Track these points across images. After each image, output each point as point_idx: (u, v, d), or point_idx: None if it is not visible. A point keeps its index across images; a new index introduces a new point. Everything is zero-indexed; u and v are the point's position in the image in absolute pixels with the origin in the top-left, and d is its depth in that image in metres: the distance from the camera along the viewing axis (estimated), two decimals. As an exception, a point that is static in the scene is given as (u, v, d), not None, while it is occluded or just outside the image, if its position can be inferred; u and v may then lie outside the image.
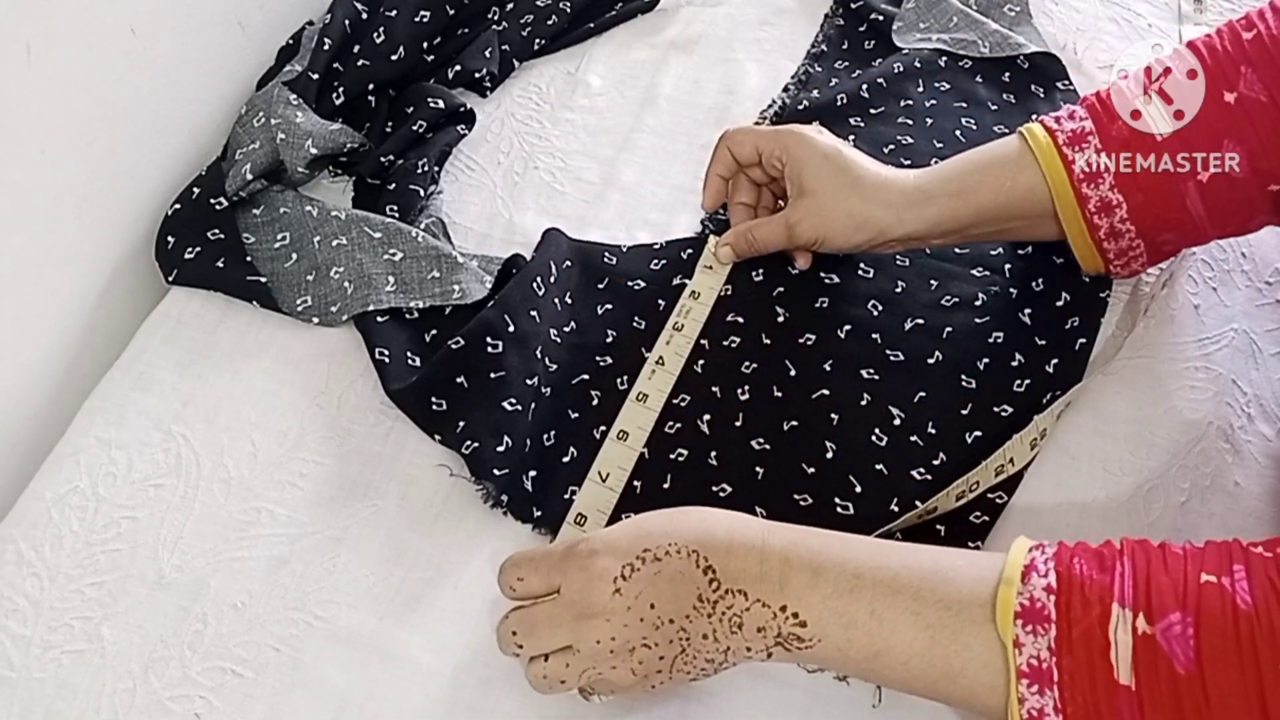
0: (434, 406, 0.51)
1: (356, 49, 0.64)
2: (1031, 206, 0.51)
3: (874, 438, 0.52)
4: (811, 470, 0.51)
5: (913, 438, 0.52)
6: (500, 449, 0.49)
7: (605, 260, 0.59)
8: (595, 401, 0.53)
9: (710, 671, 0.40)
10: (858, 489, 0.50)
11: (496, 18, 0.71)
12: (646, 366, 0.54)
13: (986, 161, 0.52)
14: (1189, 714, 0.32)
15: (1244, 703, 0.32)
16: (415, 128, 0.62)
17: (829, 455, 0.51)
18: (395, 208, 0.59)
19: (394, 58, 0.65)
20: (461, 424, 0.50)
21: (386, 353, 0.53)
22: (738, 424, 0.52)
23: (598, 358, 0.55)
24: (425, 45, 0.67)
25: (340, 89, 0.63)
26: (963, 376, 0.54)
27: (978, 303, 0.57)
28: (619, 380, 0.54)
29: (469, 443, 0.49)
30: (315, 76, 0.61)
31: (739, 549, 0.39)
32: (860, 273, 0.58)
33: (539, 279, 0.55)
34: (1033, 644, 0.35)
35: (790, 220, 0.54)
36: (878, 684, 0.41)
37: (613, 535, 0.41)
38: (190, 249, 0.58)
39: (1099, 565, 0.36)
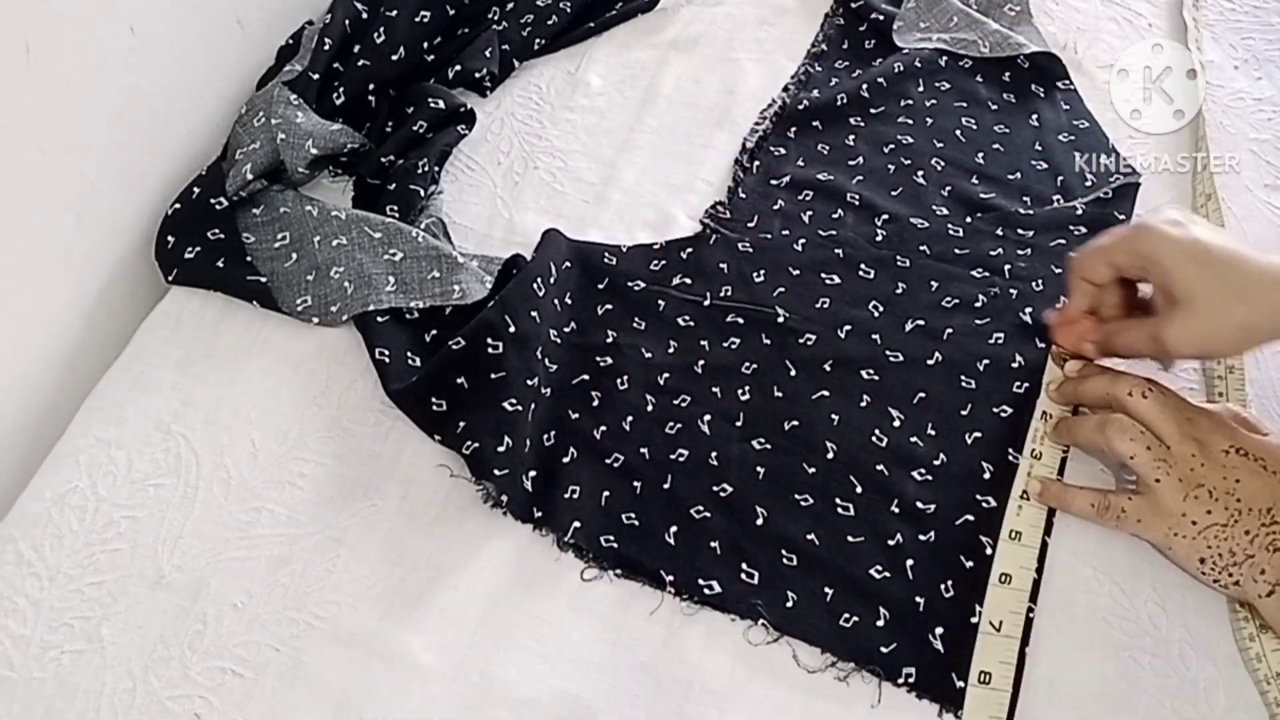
0: (434, 406, 0.51)
1: (356, 49, 0.64)
2: None
3: (874, 438, 0.52)
4: (811, 470, 0.51)
5: (913, 438, 0.52)
6: (500, 449, 0.49)
7: (605, 260, 0.59)
8: (595, 402, 0.53)
9: (1219, 566, 0.45)
10: (858, 489, 0.50)
11: (496, 18, 0.70)
12: (1012, 503, 0.49)
13: None
14: None
15: None
16: (415, 128, 0.62)
17: (829, 455, 0.51)
18: (395, 208, 0.59)
19: (394, 58, 0.65)
20: (462, 424, 0.50)
21: (386, 353, 0.53)
22: (738, 424, 0.52)
23: (598, 358, 0.55)
24: (425, 45, 0.67)
25: (340, 89, 0.63)
26: (962, 376, 0.54)
27: (978, 303, 0.57)
28: (619, 380, 0.54)
29: (469, 443, 0.49)
30: (315, 76, 0.61)
31: None
32: (861, 273, 0.58)
33: (539, 279, 0.55)
34: None
35: (1161, 336, 0.47)
36: None
37: (1248, 435, 0.46)
38: (190, 249, 0.58)
39: None
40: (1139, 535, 0.47)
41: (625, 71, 0.70)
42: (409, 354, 0.54)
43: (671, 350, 0.55)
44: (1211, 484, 0.45)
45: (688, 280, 0.58)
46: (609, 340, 0.56)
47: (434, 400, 0.51)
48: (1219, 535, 0.45)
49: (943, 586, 0.47)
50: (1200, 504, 0.45)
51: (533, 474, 0.50)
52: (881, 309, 0.56)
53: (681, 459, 0.51)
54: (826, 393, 0.53)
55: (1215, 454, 0.45)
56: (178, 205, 0.59)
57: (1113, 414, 0.48)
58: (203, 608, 0.47)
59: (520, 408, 0.51)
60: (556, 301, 0.56)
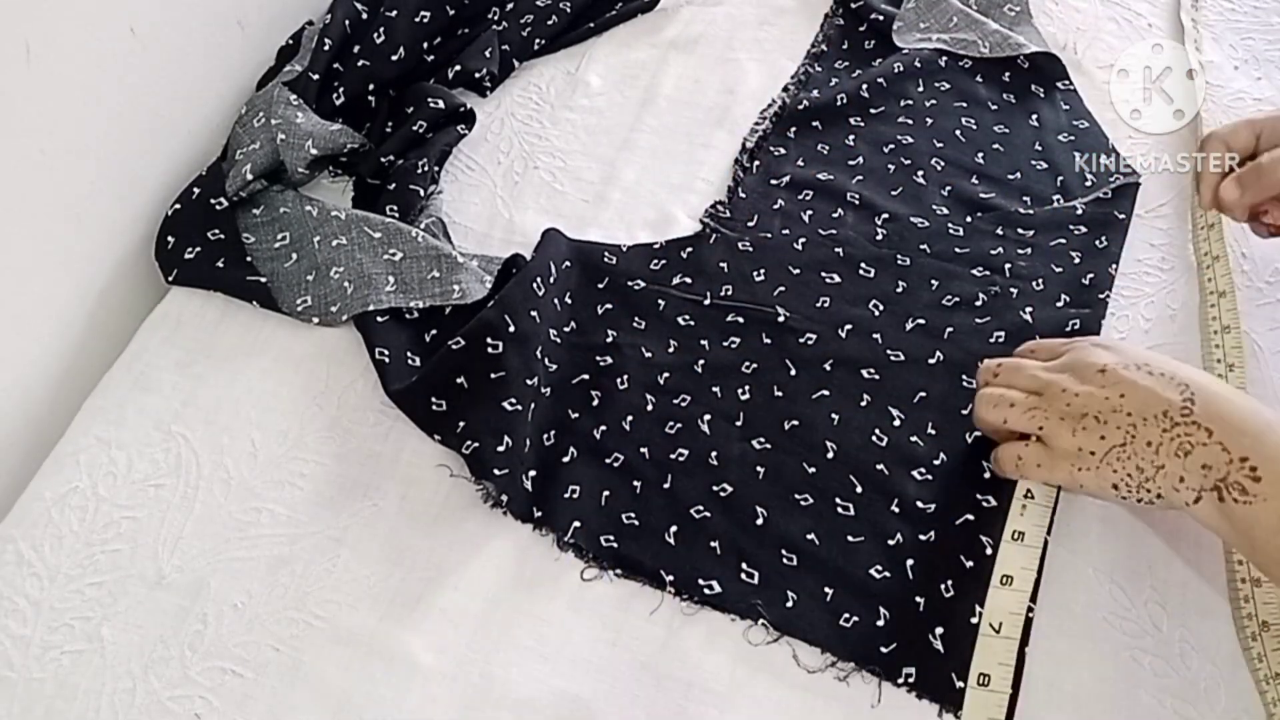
0: (434, 406, 0.51)
1: (356, 49, 0.64)
2: None
3: (874, 437, 0.52)
4: (812, 470, 0.51)
5: (913, 437, 0.52)
6: (500, 449, 0.49)
7: (605, 260, 0.59)
8: (595, 401, 0.53)
9: (1133, 486, 0.42)
10: (858, 489, 0.50)
11: (496, 18, 0.71)
12: (1015, 503, 0.48)
13: None
14: None
15: None
16: (415, 128, 0.62)
17: (829, 455, 0.51)
18: (395, 208, 0.59)
19: (394, 58, 0.65)
20: (461, 424, 0.50)
21: (386, 353, 0.53)
22: (738, 424, 0.52)
23: (598, 358, 0.55)
24: (425, 45, 0.67)
25: (340, 89, 0.63)
26: (963, 376, 0.54)
27: (978, 303, 0.57)
28: (619, 380, 0.54)
29: (469, 443, 0.49)
30: (315, 76, 0.61)
31: (1229, 397, 0.41)
32: (861, 272, 0.58)
33: (539, 279, 0.55)
34: None
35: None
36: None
37: (1121, 344, 0.46)
38: (190, 249, 0.58)
39: None
40: (1050, 483, 0.46)
41: (625, 71, 0.70)
42: (409, 354, 0.54)
43: (671, 350, 0.55)
44: (1095, 410, 0.43)
45: (688, 280, 0.58)
46: (609, 340, 0.56)
47: (434, 400, 0.51)
48: (1120, 456, 0.43)
49: (943, 586, 0.47)
50: (1091, 433, 0.43)
51: (533, 474, 0.50)
52: (882, 308, 0.56)
53: (681, 459, 0.51)
54: (827, 392, 0.53)
55: (1090, 378, 0.44)
56: (178, 205, 0.59)
57: (991, 389, 0.47)
58: (203, 608, 0.47)
59: (520, 407, 0.51)
60: (556, 301, 0.56)
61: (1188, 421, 0.41)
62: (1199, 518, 0.41)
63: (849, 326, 0.56)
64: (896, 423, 0.52)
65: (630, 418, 0.53)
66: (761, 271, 0.58)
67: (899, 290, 0.57)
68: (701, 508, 0.50)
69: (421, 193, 0.60)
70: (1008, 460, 0.47)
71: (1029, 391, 0.46)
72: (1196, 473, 0.40)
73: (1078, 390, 0.44)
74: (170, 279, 0.58)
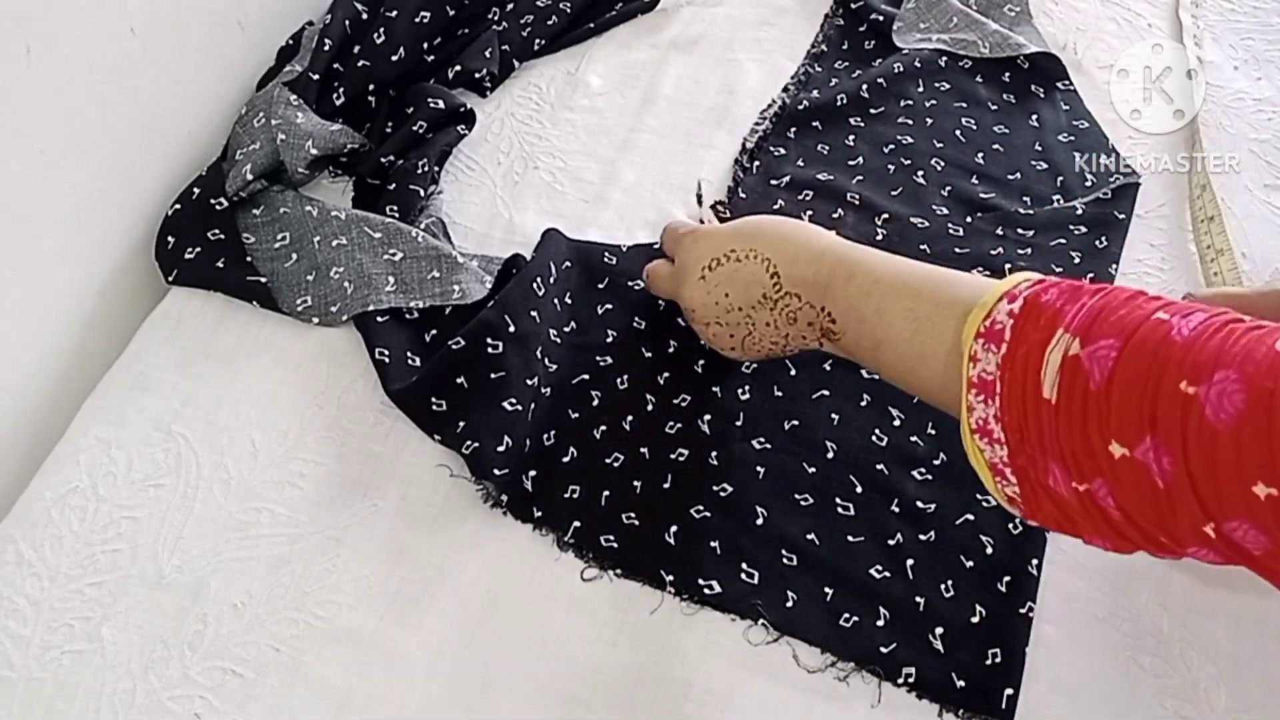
0: (434, 406, 0.51)
1: (356, 49, 0.64)
2: None
3: (874, 437, 0.52)
4: (812, 470, 0.51)
5: (913, 437, 0.52)
6: (500, 449, 0.49)
7: (605, 260, 0.59)
8: (595, 401, 0.53)
9: (780, 348, 0.48)
10: (858, 489, 0.50)
11: (496, 18, 0.70)
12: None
13: None
14: (1093, 426, 0.33)
15: (1137, 415, 0.32)
16: (415, 128, 0.62)
17: (829, 455, 0.51)
18: (395, 208, 0.59)
19: (394, 58, 0.65)
20: (461, 424, 0.50)
21: (386, 353, 0.53)
22: (738, 424, 0.52)
23: (598, 358, 0.55)
24: (425, 45, 0.67)
25: (340, 89, 0.63)
26: (963, 376, 0.54)
27: (978, 303, 0.56)
28: (619, 380, 0.54)
29: (469, 443, 0.49)
30: (315, 77, 0.61)
31: (803, 259, 0.46)
32: (860, 273, 0.58)
33: (539, 279, 0.55)
34: (985, 360, 0.37)
35: None
36: (884, 376, 0.44)
37: (715, 230, 0.50)
38: (190, 249, 0.58)
39: (1070, 298, 0.36)
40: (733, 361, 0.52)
41: (625, 71, 0.70)
42: (409, 354, 0.54)
43: (671, 350, 0.55)
44: (713, 316, 0.49)
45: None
46: (609, 340, 0.56)
47: (434, 400, 0.51)
48: (754, 341, 0.48)
49: (943, 586, 0.47)
50: (720, 335, 0.50)
51: (533, 474, 0.50)
52: (881, 309, 0.56)
53: (681, 459, 0.51)
54: (826, 392, 0.53)
55: (696, 287, 0.49)
56: (178, 206, 0.59)
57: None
58: (203, 608, 0.47)
59: (520, 408, 0.51)
60: (556, 301, 0.56)
61: (781, 295, 0.46)
62: (837, 348, 0.47)
63: (849, 326, 0.56)
64: (896, 423, 0.52)
65: (630, 418, 0.53)
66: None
67: (899, 290, 0.57)
68: (701, 508, 0.50)
69: (421, 193, 0.60)
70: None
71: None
72: (807, 330, 0.47)
73: (696, 305, 0.49)
74: (170, 279, 0.58)
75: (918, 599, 0.47)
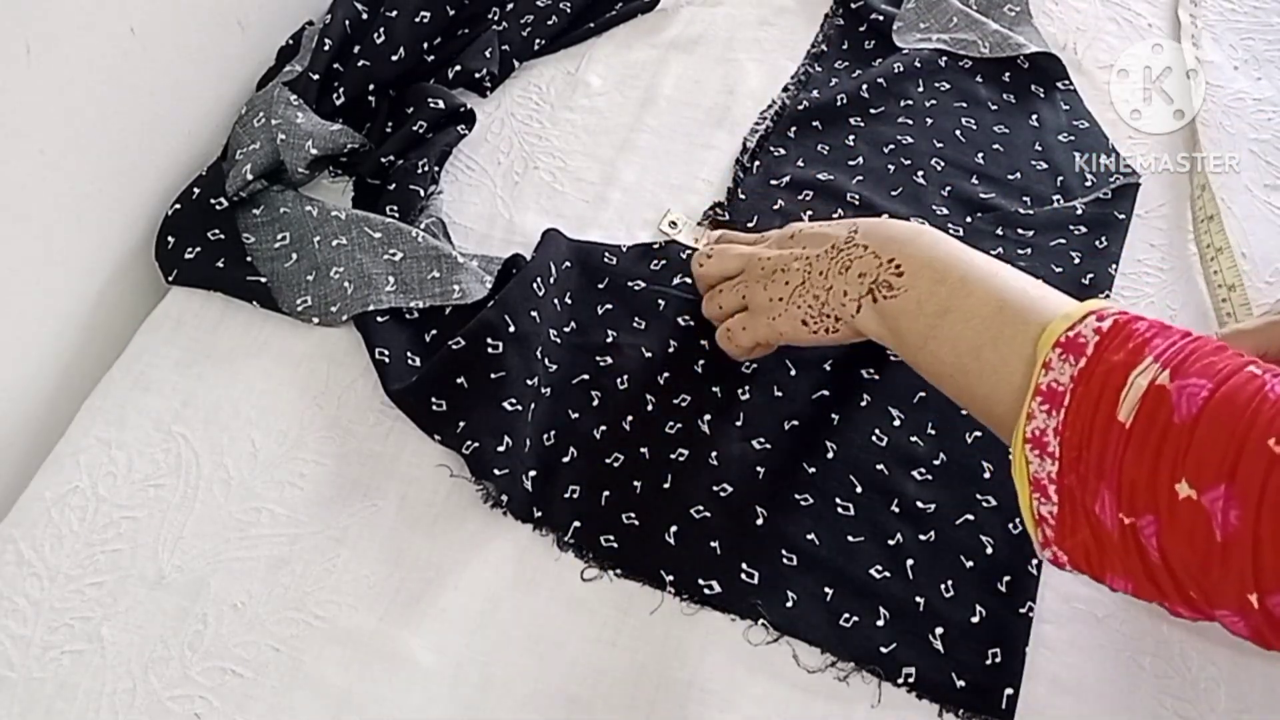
0: (434, 406, 0.51)
1: (356, 49, 0.64)
2: None
3: (874, 437, 0.52)
4: (812, 470, 0.51)
5: (913, 437, 0.52)
6: (500, 449, 0.49)
7: (605, 260, 0.59)
8: (595, 401, 0.53)
9: (815, 316, 0.47)
10: (858, 489, 0.50)
11: (496, 18, 0.70)
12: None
13: None
14: (1165, 459, 0.32)
15: (1218, 461, 0.31)
16: (415, 128, 0.62)
17: (829, 455, 0.51)
18: (395, 208, 0.59)
19: (394, 58, 0.65)
20: (462, 424, 0.50)
21: (386, 353, 0.53)
22: (738, 424, 0.52)
23: (598, 358, 0.55)
24: (425, 45, 0.67)
25: (340, 89, 0.63)
26: (963, 376, 0.54)
27: (978, 303, 0.56)
28: (619, 380, 0.54)
29: (469, 443, 0.49)
30: (315, 77, 0.61)
31: (891, 223, 0.46)
32: (860, 273, 0.58)
33: (539, 279, 0.55)
34: (1059, 369, 0.36)
35: None
36: (922, 349, 0.42)
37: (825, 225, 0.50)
38: (190, 249, 0.58)
39: (1161, 332, 0.35)
40: (764, 344, 0.50)
41: (625, 71, 0.70)
42: (409, 354, 0.54)
43: (671, 350, 0.55)
44: (781, 263, 0.48)
45: (688, 280, 0.58)
46: (609, 340, 0.56)
47: (434, 400, 0.51)
48: (801, 293, 0.47)
49: (943, 586, 0.47)
50: (778, 283, 0.48)
51: (533, 474, 0.50)
52: (881, 309, 0.56)
53: (681, 459, 0.51)
54: (826, 392, 0.53)
55: (783, 243, 0.50)
56: (178, 206, 0.59)
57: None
58: (203, 608, 0.47)
59: (520, 408, 0.51)
60: (556, 301, 0.56)
61: (850, 245, 0.46)
62: (863, 329, 0.45)
63: (849, 326, 0.56)
64: (896, 423, 0.52)
65: (630, 418, 0.53)
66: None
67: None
68: (701, 508, 0.50)
69: (421, 193, 0.60)
70: (721, 338, 0.52)
71: (736, 273, 0.51)
72: (855, 283, 0.45)
73: (770, 255, 0.49)
74: (170, 279, 0.58)
75: (918, 599, 0.47)
